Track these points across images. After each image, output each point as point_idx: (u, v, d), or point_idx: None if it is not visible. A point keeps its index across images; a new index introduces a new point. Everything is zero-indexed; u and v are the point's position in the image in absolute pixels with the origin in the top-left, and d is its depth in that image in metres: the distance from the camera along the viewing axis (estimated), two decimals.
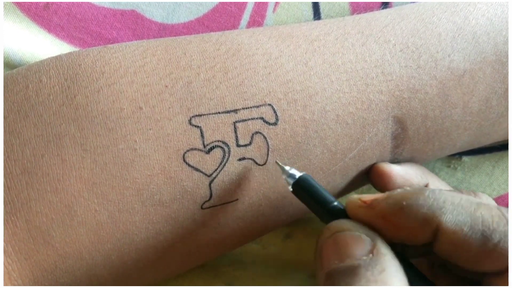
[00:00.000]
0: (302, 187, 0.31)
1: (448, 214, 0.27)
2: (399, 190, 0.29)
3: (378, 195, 0.29)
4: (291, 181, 0.31)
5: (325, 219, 0.30)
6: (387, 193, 0.29)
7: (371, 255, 0.27)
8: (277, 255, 0.44)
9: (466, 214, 0.27)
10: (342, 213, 0.30)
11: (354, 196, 0.30)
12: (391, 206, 0.28)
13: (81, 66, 0.31)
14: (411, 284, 0.27)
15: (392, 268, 0.26)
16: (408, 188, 0.29)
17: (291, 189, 0.31)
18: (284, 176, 0.32)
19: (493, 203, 0.31)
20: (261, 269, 0.44)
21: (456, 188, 0.31)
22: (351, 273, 0.26)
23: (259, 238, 0.43)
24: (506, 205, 0.43)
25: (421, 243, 0.28)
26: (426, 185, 0.36)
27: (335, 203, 0.30)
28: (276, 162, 0.32)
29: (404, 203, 0.27)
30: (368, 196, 0.29)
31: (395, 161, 0.37)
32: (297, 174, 0.31)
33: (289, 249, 0.44)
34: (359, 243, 0.27)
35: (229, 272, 0.43)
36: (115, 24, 0.41)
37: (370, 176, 0.36)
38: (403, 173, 0.36)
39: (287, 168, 0.32)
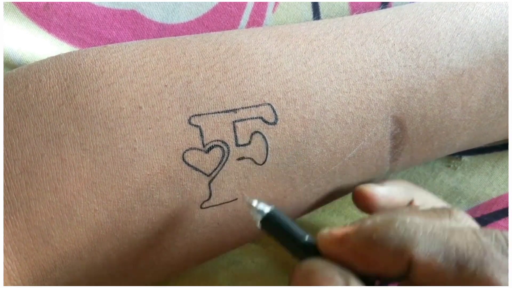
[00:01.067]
0: (271, 223, 0.30)
1: (420, 245, 0.26)
2: (368, 221, 0.28)
3: (348, 229, 0.28)
4: (259, 217, 0.30)
5: (297, 255, 0.29)
6: (357, 225, 0.28)
7: None
8: (276, 255, 0.44)
9: (439, 244, 0.26)
10: (314, 249, 0.29)
11: (325, 231, 0.29)
12: (361, 240, 0.27)
13: (80, 66, 0.31)
14: None
15: None
16: (377, 218, 0.28)
17: (259, 226, 0.30)
18: (251, 212, 0.30)
19: (470, 223, 0.29)
20: (261, 269, 0.44)
21: (432, 208, 0.30)
22: None
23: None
24: (506, 205, 0.43)
25: (396, 276, 0.27)
26: (411, 202, 0.36)
27: (307, 238, 0.29)
28: (243, 195, 0.32)
29: (374, 236, 0.27)
30: (339, 230, 0.28)
31: (394, 161, 0.37)
32: (266, 209, 0.30)
33: None
34: (332, 285, 0.26)
35: (228, 272, 0.43)
36: (114, 24, 0.41)
37: (354, 199, 0.36)
38: (386, 193, 0.35)
39: (254, 203, 0.30)
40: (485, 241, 0.25)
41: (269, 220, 0.30)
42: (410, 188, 0.37)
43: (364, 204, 0.35)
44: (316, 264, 0.28)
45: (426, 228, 0.26)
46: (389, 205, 0.35)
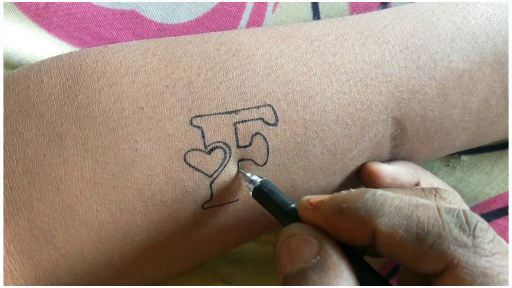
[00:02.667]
0: (261, 192, 0.32)
1: (384, 217, 0.27)
2: (344, 192, 0.29)
3: (324, 197, 0.29)
4: (252, 187, 0.32)
5: (283, 223, 0.31)
6: (332, 194, 0.29)
7: (318, 257, 0.27)
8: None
9: (402, 217, 0.27)
10: (297, 216, 0.30)
11: (304, 198, 0.30)
12: (332, 208, 0.28)
13: (82, 66, 0.31)
14: (362, 282, 0.27)
15: (338, 268, 0.27)
16: (352, 190, 0.29)
17: (251, 194, 0.32)
18: (246, 183, 0.32)
19: (456, 202, 0.31)
20: (260, 268, 0.44)
21: (421, 188, 0.31)
22: (301, 276, 0.27)
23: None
24: (505, 204, 0.43)
25: (363, 244, 0.28)
26: (418, 183, 0.37)
27: (293, 205, 0.31)
28: (239, 170, 0.33)
29: (344, 205, 0.28)
30: (316, 197, 0.30)
31: (392, 160, 0.37)
32: (258, 179, 0.32)
33: None
34: (308, 245, 0.28)
35: (228, 271, 0.43)
36: (114, 24, 0.41)
37: (361, 175, 0.36)
38: (392, 172, 0.36)
39: (248, 174, 0.32)
40: (445, 217, 0.27)
41: (260, 190, 0.32)
42: (417, 170, 0.38)
43: (370, 180, 0.36)
44: (296, 228, 0.29)
45: (393, 201, 0.27)
46: (394, 184, 0.35)
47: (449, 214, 0.27)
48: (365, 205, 0.27)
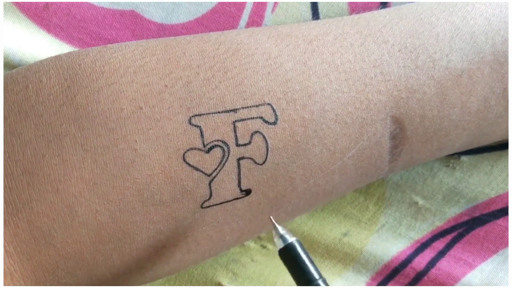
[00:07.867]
0: (289, 255, 0.31)
1: None
2: None
3: None
4: (280, 245, 0.31)
5: None
6: None
7: None
8: (276, 254, 0.44)
9: None
10: None
11: None
12: None
13: (80, 66, 0.31)
14: None
15: None
16: None
17: (278, 252, 0.31)
18: (274, 237, 0.32)
19: None
20: (260, 268, 0.44)
21: None
22: None
23: (258, 236, 0.43)
24: (505, 204, 0.43)
25: None
26: None
27: (319, 280, 0.30)
28: (271, 219, 0.33)
29: None
30: None
31: (393, 161, 0.37)
32: (289, 239, 0.31)
33: None
34: None
35: (228, 271, 0.43)
36: (114, 24, 0.41)
37: None
38: None
39: (280, 227, 0.32)
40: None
41: (288, 251, 0.31)
42: None
43: None
44: None
45: None
46: None
47: None
48: None
